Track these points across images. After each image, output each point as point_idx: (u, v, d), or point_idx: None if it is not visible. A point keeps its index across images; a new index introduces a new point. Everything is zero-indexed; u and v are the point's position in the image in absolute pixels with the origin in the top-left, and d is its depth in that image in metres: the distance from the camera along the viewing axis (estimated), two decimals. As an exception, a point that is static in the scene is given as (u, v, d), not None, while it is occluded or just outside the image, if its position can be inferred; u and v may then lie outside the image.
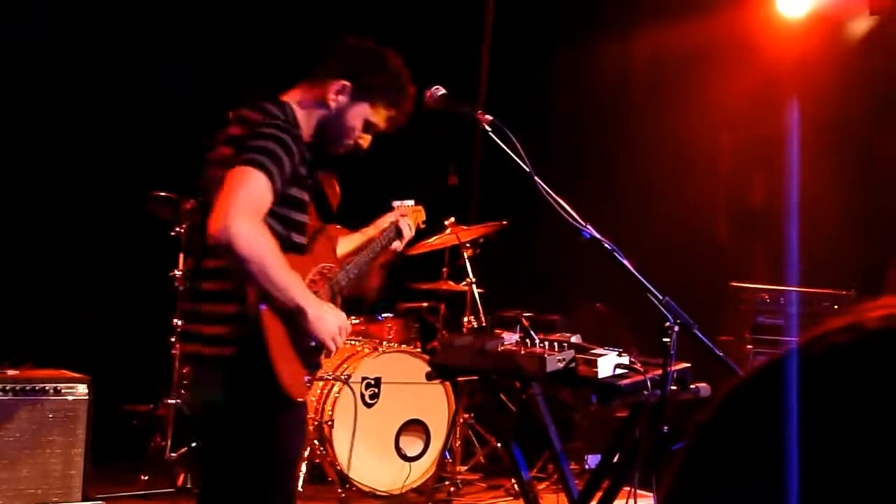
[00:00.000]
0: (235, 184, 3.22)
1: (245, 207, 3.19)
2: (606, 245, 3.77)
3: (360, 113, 3.69)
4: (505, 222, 7.07)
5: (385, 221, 4.16)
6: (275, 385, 3.35)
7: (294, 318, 3.39)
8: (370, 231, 4.12)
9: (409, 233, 4.14)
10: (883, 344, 0.75)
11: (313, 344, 3.52)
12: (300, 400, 3.50)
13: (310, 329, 3.40)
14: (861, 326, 0.77)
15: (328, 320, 3.44)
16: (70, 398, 5.67)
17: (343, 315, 3.55)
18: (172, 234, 6.95)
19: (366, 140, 3.78)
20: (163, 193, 6.87)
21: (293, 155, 3.37)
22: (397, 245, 4.14)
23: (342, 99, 3.65)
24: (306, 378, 3.53)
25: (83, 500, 5.67)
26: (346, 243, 4.05)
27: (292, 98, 3.63)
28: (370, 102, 3.69)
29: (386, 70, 3.71)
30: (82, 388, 5.72)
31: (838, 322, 0.79)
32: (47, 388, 5.61)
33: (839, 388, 0.74)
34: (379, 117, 3.73)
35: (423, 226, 4.33)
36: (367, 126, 3.73)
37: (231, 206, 3.17)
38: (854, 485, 0.71)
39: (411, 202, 4.27)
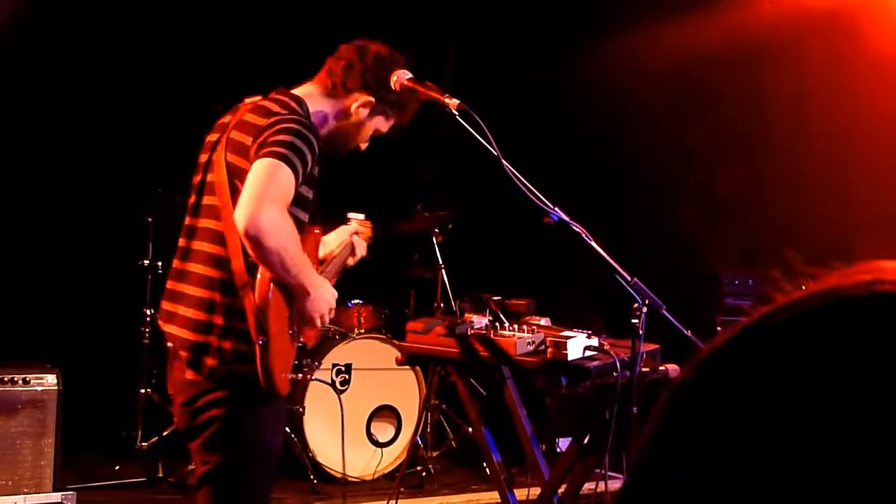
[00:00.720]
0: (263, 176, 3.27)
1: (273, 200, 3.26)
2: (574, 227, 3.79)
3: (375, 125, 3.81)
4: (472, 207, 7.09)
5: (344, 233, 4.15)
6: (268, 378, 3.36)
7: (294, 304, 3.46)
8: (330, 242, 4.11)
9: (362, 252, 4.15)
10: (855, 309, 0.74)
11: (300, 343, 3.57)
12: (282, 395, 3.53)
13: (305, 308, 3.46)
14: (835, 291, 0.75)
15: (323, 299, 3.52)
16: (40, 389, 5.64)
17: (335, 294, 3.64)
18: (141, 223, 6.91)
19: (366, 144, 3.87)
20: (132, 182, 6.84)
21: (314, 153, 3.43)
22: (350, 261, 4.16)
23: (363, 112, 3.73)
24: (289, 375, 3.55)
25: (54, 491, 5.64)
26: (321, 247, 4.07)
27: (306, 96, 3.68)
28: (385, 116, 3.80)
29: (406, 88, 3.77)
30: (52, 379, 5.69)
31: (812, 287, 0.77)
32: (16, 378, 5.58)
33: (809, 354, 0.72)
34: (387, 126, 3.85)
35: (370, 241, 4.34)
36: (374, 133, 3.84)
37: (260, 198, 3.23)
38: (824, 455, 0.70)
39: (362, 216, 4.28)
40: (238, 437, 3.50)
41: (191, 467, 6.61)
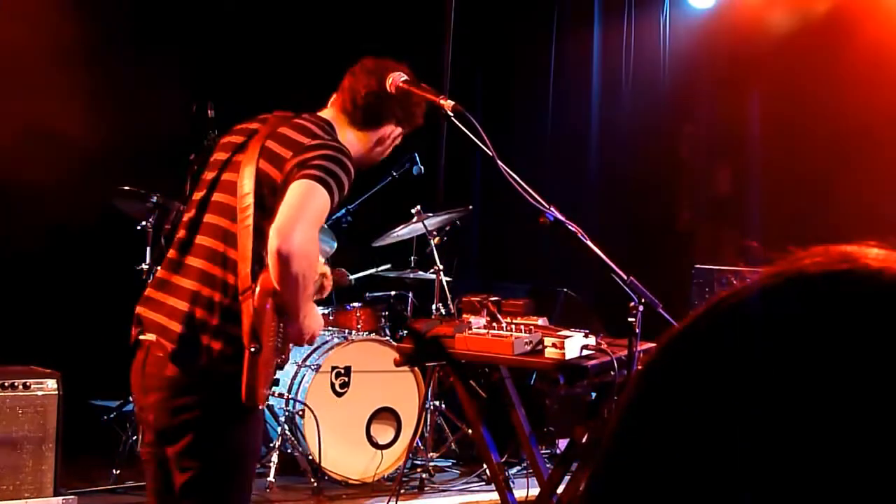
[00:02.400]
0: (304, 198, 3.30)
1: (311, 225, 3.30)
2: (570, 227, 3.80)
3: (397, 142, 3.89)
4: (469, 207, 7.11)
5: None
6: (251, 388, 3.36)
7: (285, 321, 3.46)
8: None
9: (323, 294, 4.15)
10: (817, 288, 0.73)
11: (282, 358, 3.57)
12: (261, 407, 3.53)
13: (294, 328, 3.47)
14: (796, 271, 0.75)
15: (312, 327, 3.53)
16: (40, 393, 5.65)
17: (322, 323, 3.69)
18: (139, 228, 6.92)
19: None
20: (128, 188, 6.84)
21: (350, 183, 3.46)
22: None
23: (397, 141, 3.86)
24: (267, 391, 3.55)
25: (55, 496, 5.65)
26: None
27: (334, 122, 3.70)
28: (402, 129, 3.85)
29: (417, 101, 3.83)
30: (52, 384, 5.70)
31: (772, 269, 0.76)
32: (16, 383, 5.59)
33: (773, 334, 0.72)
34: (401, 136, 3.91)
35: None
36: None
37: (299, 220, 3.26)
38: (790, 432, 0.70)
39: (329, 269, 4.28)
40: (223, 445, 3.46)
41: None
